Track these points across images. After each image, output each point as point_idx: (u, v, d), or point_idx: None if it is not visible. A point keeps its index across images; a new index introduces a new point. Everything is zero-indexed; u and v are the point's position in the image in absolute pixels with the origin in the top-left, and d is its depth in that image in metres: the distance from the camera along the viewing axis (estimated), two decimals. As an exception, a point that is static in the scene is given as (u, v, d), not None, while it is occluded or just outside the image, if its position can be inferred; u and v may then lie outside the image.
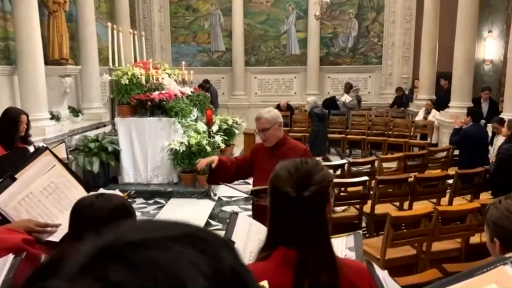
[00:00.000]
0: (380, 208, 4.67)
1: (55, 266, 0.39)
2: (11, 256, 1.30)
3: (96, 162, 6.49)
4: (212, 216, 6.07)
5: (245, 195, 3.24)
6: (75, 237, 1.42)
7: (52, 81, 7.57)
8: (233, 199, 6.77)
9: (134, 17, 12.43)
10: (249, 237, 1.84)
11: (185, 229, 0.43)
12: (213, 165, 3.08)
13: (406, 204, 4.88)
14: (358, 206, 4.68)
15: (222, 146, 7.24)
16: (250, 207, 6.38)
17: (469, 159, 6.07)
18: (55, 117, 7.50)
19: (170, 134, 6.93)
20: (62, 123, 7.68)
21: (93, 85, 9.15)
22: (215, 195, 6.84)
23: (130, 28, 10.08)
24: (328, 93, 13.47)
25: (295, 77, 13.71)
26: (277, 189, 1.33)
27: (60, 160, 2.15)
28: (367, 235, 4.62)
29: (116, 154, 6.94)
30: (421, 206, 4.75)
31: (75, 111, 8.53)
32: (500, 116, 7.23)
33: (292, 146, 3.09)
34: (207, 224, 5.79)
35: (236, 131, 8.86)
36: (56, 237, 1.84)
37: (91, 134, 7.36)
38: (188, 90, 8.15)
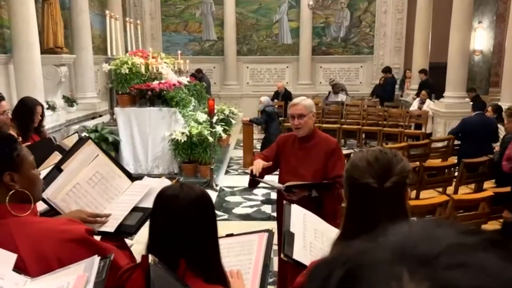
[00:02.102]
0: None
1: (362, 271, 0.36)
2: (97, 258, 1.29)
3: (96, 153, 6.38)
4: (216, 207, 6.04)
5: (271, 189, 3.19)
6: (158, 225, 1.41)
7: (46, 70, 7.38)
8: (235, 189, 6.76)
9: (125, 5, 12.21)
10: (305, 228, 1.83)
11: (478, 236, 0.39)
12: (265, 165, 3.01)
13: (412, 193, 4.94)
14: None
15: (224, 136, 7.21)
16: (252, 197, 6.46)
17: (469, 148, 6.14)
18: (50, 107, 7.34)
19: (170, 124, 6.86)
20: (58, 113, 7.53)
21: (87, 74, 8.99)
22: (216, 185, 6.82)
23: (122, 16, 9.90)
24: (320, 83, 13.51)
25: (287, 67, 13.68)
26: (355, 179, 1.31)
27: (103, 150, 2.11)
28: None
29: (116, 145, 6.85)
30: (429, 195, 4.85)
31: (69, 101, 8.36)
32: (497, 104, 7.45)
33: (322, 138, 3.01)
34: (213, 214, 5.77)
35: (233, 121, 8.81)
36: (110, 228, 1.80)
37: (89, 124, 7.24)
38: (185, 79, 8.09)
